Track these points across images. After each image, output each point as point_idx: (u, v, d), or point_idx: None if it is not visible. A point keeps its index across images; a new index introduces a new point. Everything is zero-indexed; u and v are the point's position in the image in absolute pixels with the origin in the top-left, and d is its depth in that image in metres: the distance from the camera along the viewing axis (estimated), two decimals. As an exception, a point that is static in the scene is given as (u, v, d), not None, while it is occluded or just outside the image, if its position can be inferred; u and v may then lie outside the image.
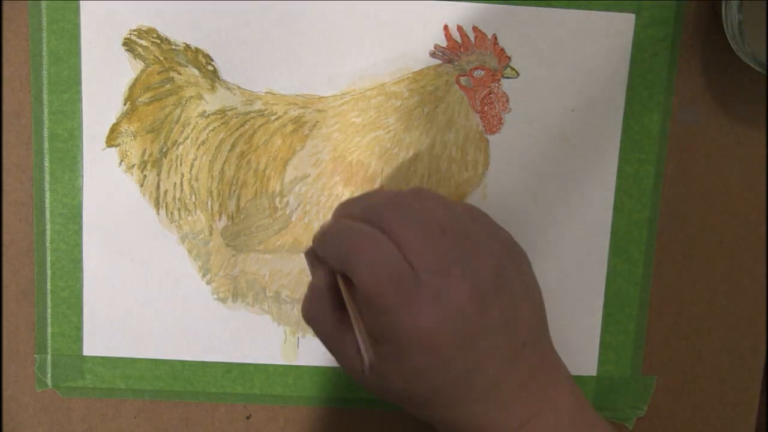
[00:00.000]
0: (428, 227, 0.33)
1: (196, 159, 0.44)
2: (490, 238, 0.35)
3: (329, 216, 0.42)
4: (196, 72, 0.43)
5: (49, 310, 0.45)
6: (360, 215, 0.34)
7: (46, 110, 0.43)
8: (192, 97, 0.43)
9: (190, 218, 0.44)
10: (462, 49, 0.43)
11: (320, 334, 0.36)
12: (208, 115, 0.44)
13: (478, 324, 0.33)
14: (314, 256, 0.36)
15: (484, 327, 0.33)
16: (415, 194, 0.35)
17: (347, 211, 0.36)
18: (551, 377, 0.36)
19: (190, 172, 0.44)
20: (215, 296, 0.45)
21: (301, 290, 0.45)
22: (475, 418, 0.34)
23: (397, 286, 0.32)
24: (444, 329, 0.32)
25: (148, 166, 0.44)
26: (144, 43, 0.43)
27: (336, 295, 0.35)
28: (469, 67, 0.44)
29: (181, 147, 0.44)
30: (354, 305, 0.34)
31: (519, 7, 0.43)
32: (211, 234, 0.44)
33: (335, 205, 0.44)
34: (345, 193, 0.44)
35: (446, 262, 0.33)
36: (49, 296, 0.45)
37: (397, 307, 0.32)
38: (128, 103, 0.43)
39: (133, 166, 0.44)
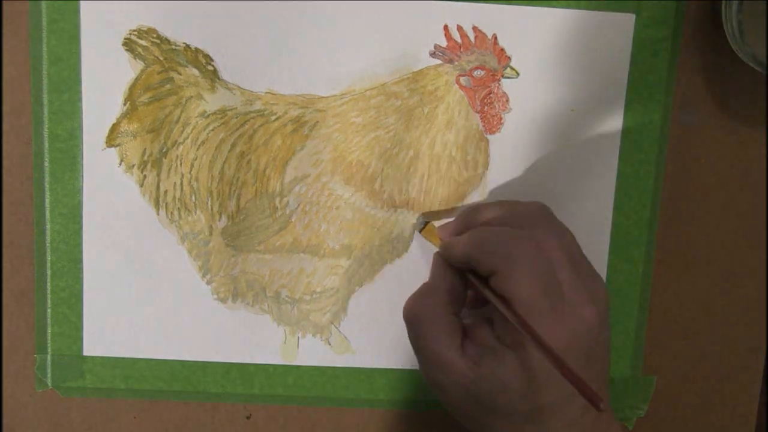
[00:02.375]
0: (572, 247, 0.36)
1: (196, 159, 0.44)
2: (596, 274, 0.37)
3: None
4: (196, 72, 0.43)
5: (49, 310, 0.45)
6: (511, 222, 0.37)
7: (46, 110, 0.43)
8: (192, 97, 0.43)
9: (190, 218, 0.44)
10: (462, 49, 0.43)
11: (420, 334, 0.36)
12: (208, 115, 0.44)
13: (596, 345, 0.35)
14: (443, 261, 0.38)
15: (599, 349, 0.35)
16: (551, 214, 0.38)
17: (483, 217, 0.38)
18: (611, 416, 0.38)
19: (190, 172, 0.44)
20: (215, 296, 0.45)
21: (301, 290, 0.45)
22: None
23: (548, 293, 0.33)
24: (577, 343, 0.34)
25: (148, 166, 0.44)
26: (144, 43, 0.43)
27: (455, 297, 0.37)
28: (469, 67, 0.44)
29: (181, 147, 0.44)
30: (521, 319, 0.34)
31: (519, 7, 0.43)
32: (211, 234, 0.44)
33: (335, 205, 0.44)
34: (345, 193, 0.44)
35: (582, 282, 0.35)
36: (49, 296, 0.45)
37: (543, 314, 0.33)
38: (128, 103, 0.43)
39: (133, 166, 0.44)
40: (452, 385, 0.36)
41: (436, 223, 0.43)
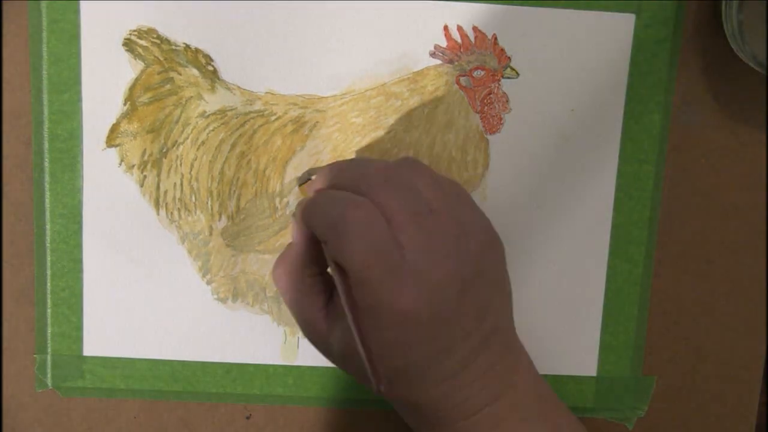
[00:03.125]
0: (418, 205, 0.33)
1: (196, 159, 0.44)
2: (475, 224, 0.35)
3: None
4: (196, 72, 0.43)
5: (49, 310, 0.45)
6: (350, 185, 0.34)
7: (46, 110, 0.43)
8: (192, 97, 0.43)
9: (190, 218, 0.44)
10: (462, 49, 0.43)
11: (287, 293, 0.36)
12: (208, 115, 0.44)
13: (456, 307, 0.33)
14: (298, 221, 0.36)
15: (460, 310, 0.33)
16: (408, 168, 0.35)
17: (336, 180, 0.36)
18: (515, 362, 0.36)
19: (190, 173, 0.44)
20: (215, 296, 0.45)
21: (301, 290, 0.45)
22: (439, 399, 0.34)
23: (383, 261, 0.32)
24: (423, 309, 0.32)
25: (148, 166, 0.44)
26: (144, 43, 0.43)
27: (310, 260, 0.36)
28: (469, 67, 0.44)
29: (181, 147, 0.44)
30: (346, 289, 0.33)
31: (519, 7, 0.43)
32: (211, 234, 0.44)
33: (335, 205, 0.44)
34: (345, 193, 0.44)
35: (432, 242, 0.33)
36: (49, 296, 0.45)
37: (379, 281, 0.32)
38: (128, 103, 0.43)
39: (133, 166, 0.44)
40: (320, 345, 0.36)
41: None
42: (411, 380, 0.34)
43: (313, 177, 0.38)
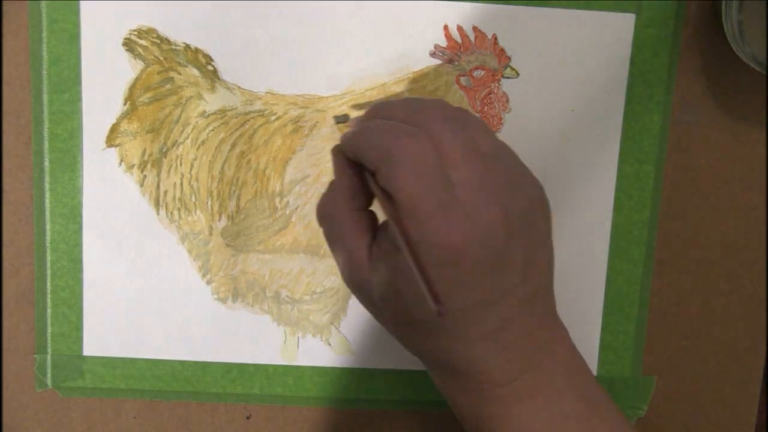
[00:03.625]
0: (473, 146, 0.32)
1: (196, 159, 0.44)
2: (527, 177, 0.34)
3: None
4: (196, 72, 0.43)
5: (49, 310, 0.45)
6: (403, 117, 0.33)
7: (46, 110, 0.43)
8: (192, 97, 0.43)
9: (190, 218, 0.44)
10: (462, 49, 0.43)
11: (332, 234, 0.35)
12: (208, 115, 0.44)
13: (505, 254, 0.32)
14: (342, 155, 0.35)
15: (508, 259, 0.32)
16: (463, 112, 0.34)
17: (387, 111, 0.34)
18: (554, 332, 0.35)
19: (190, 172, 0.44)
20: (215, 296, 0.45)
21: (301, 290, 0.45)
22: (477, 359, 0.33)
23: (435, 195, 0.31)
24: (473, 249, 0.31)
25: (148, 166, 0.44)
26: (144, 43, 0.43)
27: (356, 193, 0.34)
28: (469, 67, 0.44)
29: (181, 147, 0.44)
30: (397, 217, 0.31)
31: (519, 7, 0.43)
32: (211, 234, 0.44)
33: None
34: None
35: (484, 184, 0.32)
36: (49, 296, 0.45)
37: (430, 216, 0.30)
38: (128, 103, 0.43)
39: (133, 166, 0.44)
40: (361, 286, 0.34)
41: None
42: (449, 331, 0.33)
43: (352, 116, 0.37)
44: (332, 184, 0.35)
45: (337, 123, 0.43)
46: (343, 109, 0.43)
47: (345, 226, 0.34)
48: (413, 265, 0.29)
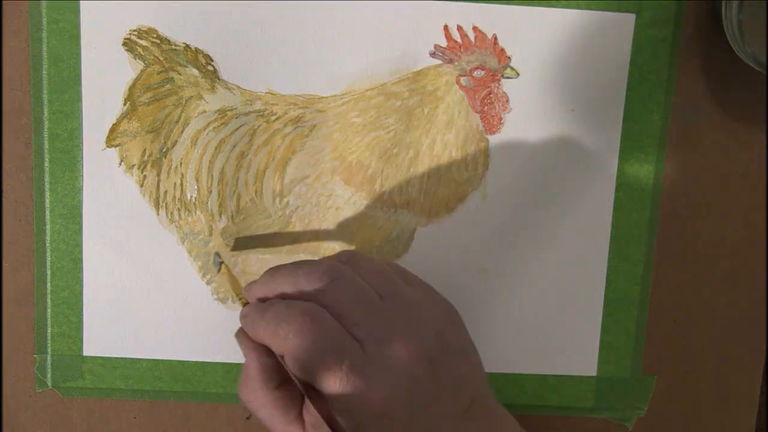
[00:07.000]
0: (367, 296, 0.33)
1: (196, 159, 0.44)
2: (427, 301, 0.35)
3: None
4: (196, 72, 0.43)
5: (49, 310, 0.45)
6: (294, 294, 0.34)
7: (46, 110, 0.43)
8: (192, 97, 0.43)
9: (190, 218, 0.44)
10: (462, 49, 0.43)
11: (258, 411, 0.36)
12: (208, 115, 0.43)
13: (429, 387, 0.33)
14: (248, 338, 0.36)
15: (434, 389, 0.33)
16: (348, 260, 0.35)
17: (277, 287, 0.35)
18: (501, 429, 0.36)
19: (190, 173, 0.44)
20: (215, 296, 0.45)
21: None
22: None
23: (344, 360, 0.31)
24: (397, 397, 0.32)
25: (148, 166, 0.44)
26: (144, 43, 0.43)
27: (269, 374, 0.35)
28: (469, 67, 0.44)
29: (181, 147, 0.44)
30: (312, 395, 0.33)
31: (519, 7, 0.43)
32: (211, 234, 0.44)
33: (335, 205, 0.44)
34: (345, 194, 0.44)
35: (389, 329, 0.33)
36: (49, 296, 0.45)
37: (346, 381, 0.31)
38: (128, 103, 0.43)
39: (133, 166, 0.44)
40: None
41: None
42: None
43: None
44: (244, 368, 0.36)
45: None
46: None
47: (268, 408, 0.35)
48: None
